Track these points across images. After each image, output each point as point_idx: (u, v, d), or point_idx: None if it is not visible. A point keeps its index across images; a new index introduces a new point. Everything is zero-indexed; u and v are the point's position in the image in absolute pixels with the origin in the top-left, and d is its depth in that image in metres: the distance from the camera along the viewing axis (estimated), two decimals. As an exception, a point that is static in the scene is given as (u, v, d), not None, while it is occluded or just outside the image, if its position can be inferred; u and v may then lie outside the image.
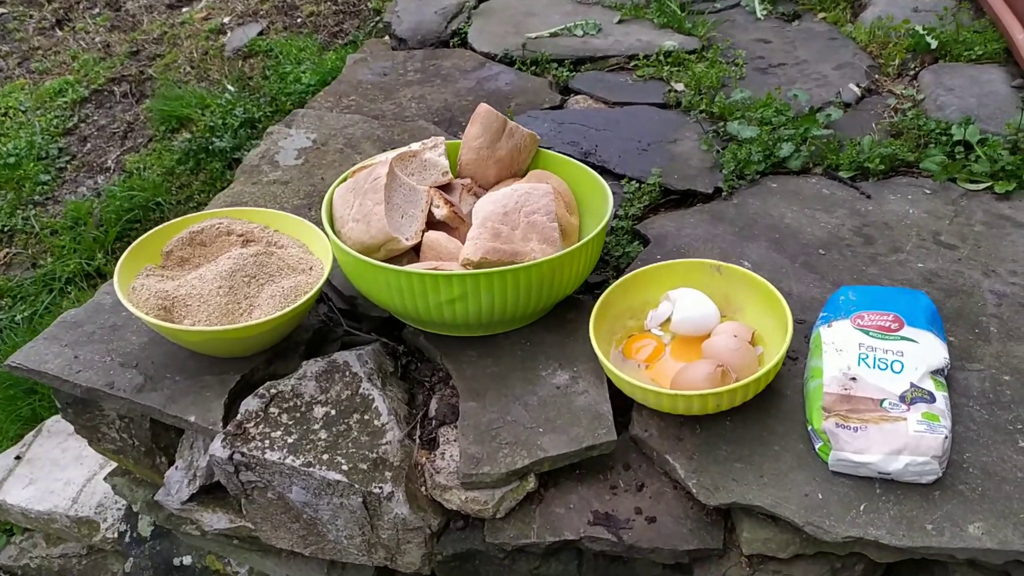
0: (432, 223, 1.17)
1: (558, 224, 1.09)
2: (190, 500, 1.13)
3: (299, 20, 3.01)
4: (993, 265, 1.21)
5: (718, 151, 1.53)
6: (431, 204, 1.16)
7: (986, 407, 0.98)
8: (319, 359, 1.11)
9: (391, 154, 1.23)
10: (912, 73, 1.75)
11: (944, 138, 1.47)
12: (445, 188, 1.23)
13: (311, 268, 1.15)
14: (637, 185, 1.46)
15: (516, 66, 1.92)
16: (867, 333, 1.00)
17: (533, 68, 1.91)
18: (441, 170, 1.22)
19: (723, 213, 1.38)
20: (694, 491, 0.94)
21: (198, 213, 1.21)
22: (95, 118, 2.79)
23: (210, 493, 1.15)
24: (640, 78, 1.85)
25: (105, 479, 1.28)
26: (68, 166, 2.63)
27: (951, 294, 1.16)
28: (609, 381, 1.05)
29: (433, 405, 1.10)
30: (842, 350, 0.99)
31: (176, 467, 1.14)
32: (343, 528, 1.04)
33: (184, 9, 3.21)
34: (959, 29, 1.80)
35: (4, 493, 1.67)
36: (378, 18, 2.93)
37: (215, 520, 1.15)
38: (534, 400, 1.04)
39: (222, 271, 1.08)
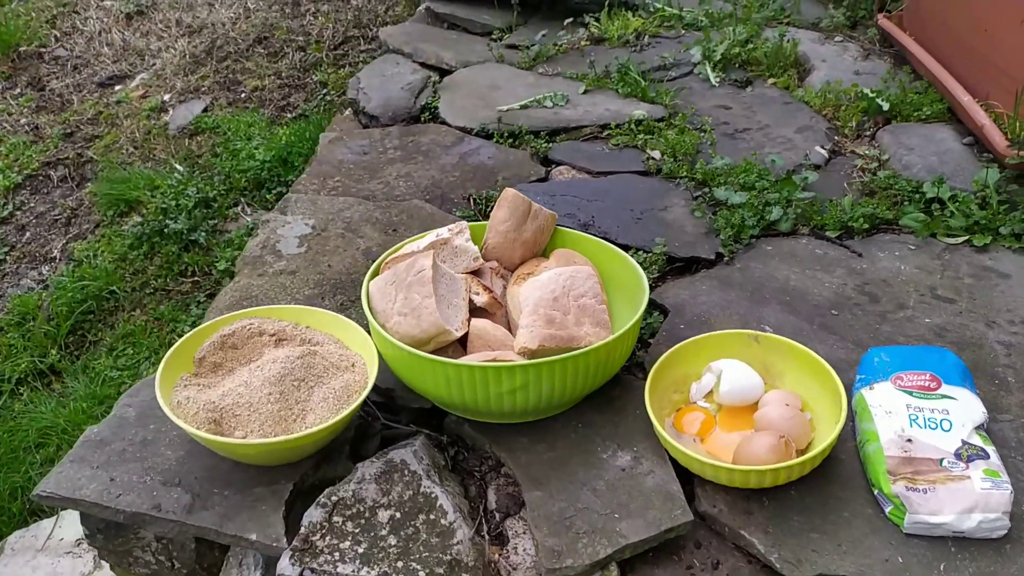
0: (471, 310, 1.16)
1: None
2: (238, 621, 1.07)
3: (243, 95, 2.97)
4: (992, 316, 1.30)
5: (710, 217, 1.60)
6: (470, 292, 1.16)
7: (1027, 456, 1.05)
8: (375, 459, 1.08)
9: (420, 242, 1.23)
10: (869, 134, 1.88)
11: (917, 196, 1.59)
12: (475, 273, 1.23)
13: (353, 365, 1.12)
14: (643, 255, 1.50)
15: (495, 139, 1.95)
16: (911, 394, 1.05)
17: (511, 141, 1.95)
18: (472, 256, 1.22)
19: (730, 278, 1.44)
20: (777, 566, 0.95)
21: (227, 316, 1.16)
22: (32, 205, 2.65)
23: (259, 611, 1.09)
24: (615, 146, 1.92)
25: (131, 606, 1.18)
26: (7, 257, 2.48)
27: (963, 347, 1.23)
28: (671, 458, 1.06)
29: (491, 496, 1.09)
30: (891, 412, 1.04)
31: (223, 588, 1.07)
32: (415, 636, 1.00)
33: (117, 88, 3.11)
34: (904, 91, 1.95)
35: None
36: (325, 90, 2.93)
37: (265, 640, 1.08)
38: (601, 484, 1.04)
39: (270, 376, 1.04)
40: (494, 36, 2.54)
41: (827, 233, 1.55)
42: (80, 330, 2.27)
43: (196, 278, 2.40)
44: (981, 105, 1.72)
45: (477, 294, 1.16)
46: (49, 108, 3.08)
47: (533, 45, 2.38)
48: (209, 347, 1.11)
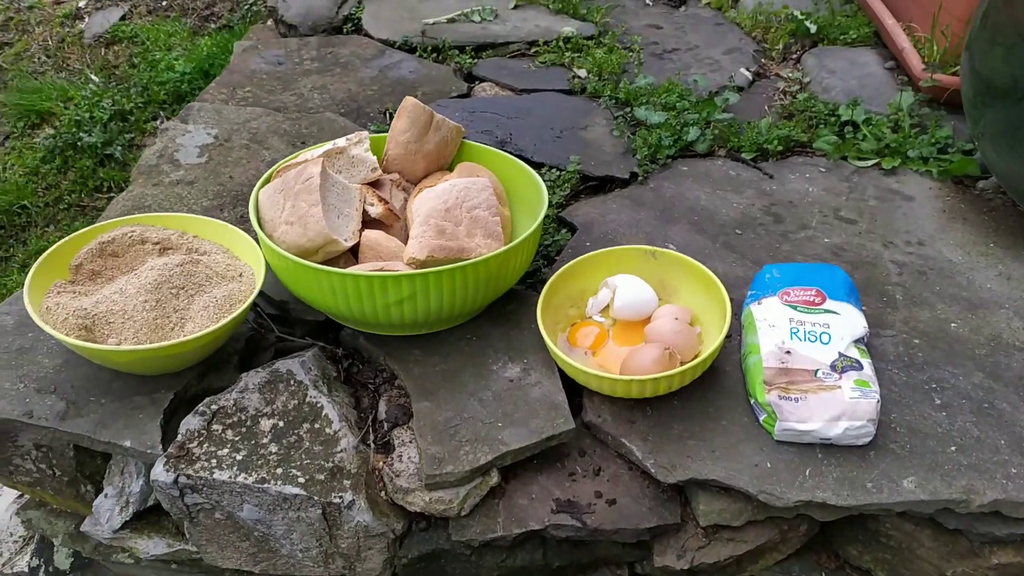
0: (366, 221, 1.14)
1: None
2: (122, 528, 1.06)
3: (164, 3, 2.82)
4: (890, 237, 1.32)
5: (629, 137, 1.58)
6: (364, 202, 1.13)
7: (903, 369, 1.07)
8: (259, 369, 1.06)
9: (317, 151, 1.19)
10: (795, 57, 1.86)
11: (832, 119, 1.58)
12: (374, 184, 1.20)
13: (240, 275, 1.09)
14: (557, 173, 1.48)
15: (418, 53, 1.89)
16: (795, 308, 1.07)
17: (435, 55, 1.89)
18: (370, 166, 1.19)
19: (642, 197, 1.43)
20: (652, 471, 0.97)
21: (107, 221, 1.12)
22: (-64, 114, 2.50)
23: (144, 518, 1.08)
24: (542, 64, 1.87)
25: (17, 514, 1.17)
26: (-91, 169, 2.35)
27: (858, 266, 1.25)
28: (559, 370, 1.07)
29: (382, 408, 1.08)
30: (774, 325, 1.05)
31: (105, 495, 1.06)
32: (298, 542, 1.01)
33: (30, -9, 2.92)
34: (833, 14, 1.93)
35: None
36: (252, 1, 2.80)
37: (151, 546, 1.08)
38: (488, 395, 1.04)
39: (146, 284, 1.01)
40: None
41: (743, 155, 1.54)
42: (-11, 245, 2.18)
43: (112, 194, 2.31)
44: (904, 29, 1.71)
45: (372, 205, 1.13)
46: (-45, 12, 2.88)
47: (465, -44, 2.28)
48: (86, 254, 1.07)
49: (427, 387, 1.06)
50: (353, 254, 1.11)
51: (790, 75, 1.78)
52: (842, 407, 0.95)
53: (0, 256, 2.17)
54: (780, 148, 1.53)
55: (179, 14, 2.74)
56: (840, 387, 0.97)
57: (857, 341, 1.04)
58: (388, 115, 1.66)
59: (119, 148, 2.31)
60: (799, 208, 1.40)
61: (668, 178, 1.48)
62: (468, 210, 1.07)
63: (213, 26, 2.72)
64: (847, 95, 1.64)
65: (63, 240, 1.07)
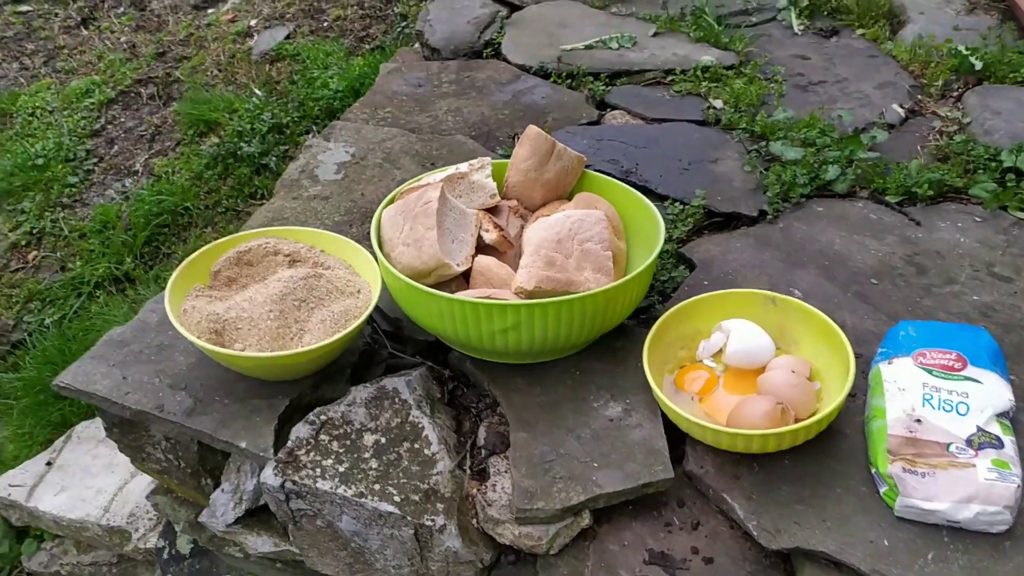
0: (480, 247, 1.15)
1: (611, 252, 1.08)
2: (235, 523, 1.13)
3: (326, 24, 3.00)
4: (1050, 299, 1.19)
5: (762, 172, 1.51)
6: (480, 228, 1.15)
7: (1052, 451, 0.96)
8: (368, 384, 1.10)
9: (439, 175, 1.22)
10: (956, 95, 1.72)
11: (994, 164, 1.45)
12: (492, 211, 1.22)
13: (359, 291, 1.14)
14: (681, 207, 1.44)
15: (552, 79, 1.90)
16: (931, 372, 0.98)
17: (569, 81, 1.90)
18: (489, 192, 1.21)
19: (769, 237, 1.37)
20: (755, 534, 0.92)
21: (245, 232, 1.20)
22: (122, 120, 2.78)
23: (255, 516, 1.14)
24: (677, 93, 1.83)
25: (148, 497, 1.27)
26: (96, 168, 2.63)
27: (1009, 330, 1.14)
28: (662, 414, 1.04)
29: (481, 433, 1.09)
30: (904, 389, 0.97)
31: (222, 490, 1.13)
32: (392, 558, 1.03)
33: (210, 11, 3.20)
34: (1004, 50, 1.77)
35: (35, 500, 1.67)
36: (405, 23, 2.93)
37: (259, 543, 1.14)
38: (587, 432, 1.03)
39: (272, 294, 1.07)
40: (572, -28, 2.45)
41: (887, 198, 1.44)
42: (155, 241, 2.40)
43: (263, 200, 2.48)
44: (1087, 68, 1.54)
45: (487, 231, 1.15)
46: (147, 27, 3.20)
47: (610, -18, 2.29)
48: (225, 262, 1.15)
49: (526, 418, 1.06)
50: (465, 279, 1.13)
51: (948, 114, 1.65)
52: (975, 488, 0.86)
53: (164, 252, 2.38)
54: (931, 193, 1.42)
55: (338, 35, 2.91)
56: (975, 465, 0.88)
57: (1000, 415, 0.94)
58: (516, 139, 1.68)
59: (273, 159, 2.47)
60: (947, 260, 1.29)
61: (800, 218, 1.41)
62: (580, 242, 1.06)
63: (367, 47, 2.87)
64: (1012, 139, 1.50)
65: (206, 247, 1.16)
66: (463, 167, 1.22)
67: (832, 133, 1.56)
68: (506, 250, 1.17)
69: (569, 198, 1.29)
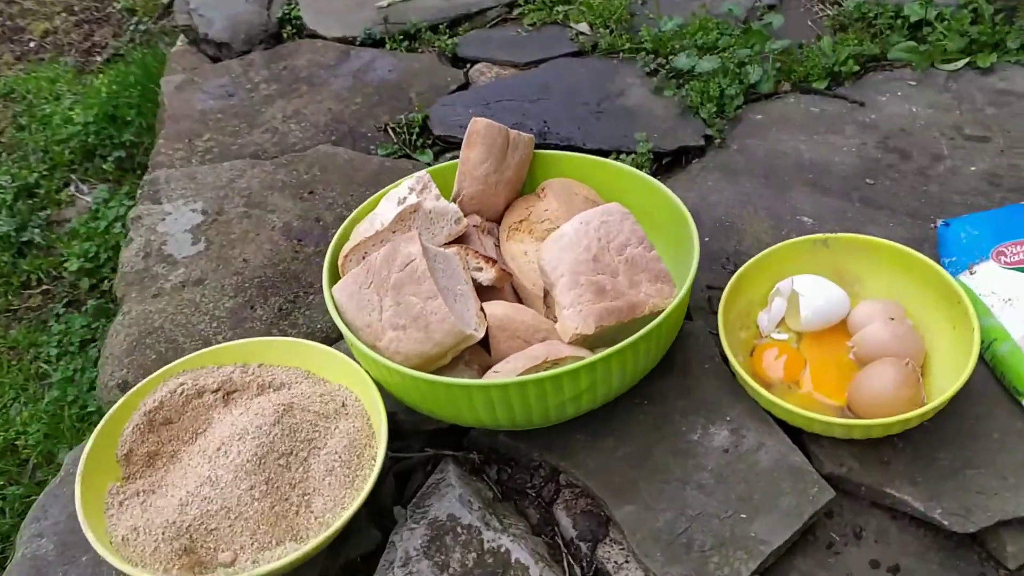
0: (477, 291, 0.88)
1: (650, 249, 0.85)
2: None
3: (32, 44, 2.37)
4: (1039, 149, 1.14)
5: (683, 94, 1.34)
6: (469, 268, 0.87)
7: None
8: (411, 524, 0.80)
9: (379, 215, 0.91)
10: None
11: (899, 22, 1.38)
12: (459, 240, 0.94)
13: (344, 405, 0.82)
14: (627, 158, 1.23)
15: (387, 46, 1.58)
16: (1022, 271, 0.88)
17: (407, 43, 1.59)
18: (452, 219, 0.91)
19: (733, 164, 1.21)
20: (945, 522, 0.78)
21: (140, 384, 0.82)
22: None
23: None
24: (532, 27, 1.60)
25: None
26: None
27: (1026, 193, 1.07)
28: (773, 418, 0.86)
29: (564, 521, 0.85)
30: (1011, 299, 0.86)
31: None
32: None
33: None
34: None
35: None
36: (136, 20, 2.38)
37: None
38: (707, 477, 0.82)
39: (243, 462, 0.73)
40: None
41: (814, 85, 1.33)
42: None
43: (45, 286, 1.93)
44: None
45: (479, 269, 0.87)
46: None
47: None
48: (132, 435, 0.78)
49: (617, 483, 0.83)
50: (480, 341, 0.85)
51: (819, -20, 1.57)
52: None
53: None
54: (856, 68, 1.32)
55: (55, 53, 2.31)
56: None
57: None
58: (391, 131, 1.36)
59: (36, 231, 1.92)
60: (916, 135, 1.20)
61: (747, 134, 1.26)
62: (618, 251, 0.82)
63: (99, 59, 2.30)
64: (899, -9, 1.44)
65: (98, 427, 0.78)
66: (406, 194, 0.92)
67: (731, 32, 1.41)
68: (503, 285, 0.90)
69: (523, 191, 1.03)
